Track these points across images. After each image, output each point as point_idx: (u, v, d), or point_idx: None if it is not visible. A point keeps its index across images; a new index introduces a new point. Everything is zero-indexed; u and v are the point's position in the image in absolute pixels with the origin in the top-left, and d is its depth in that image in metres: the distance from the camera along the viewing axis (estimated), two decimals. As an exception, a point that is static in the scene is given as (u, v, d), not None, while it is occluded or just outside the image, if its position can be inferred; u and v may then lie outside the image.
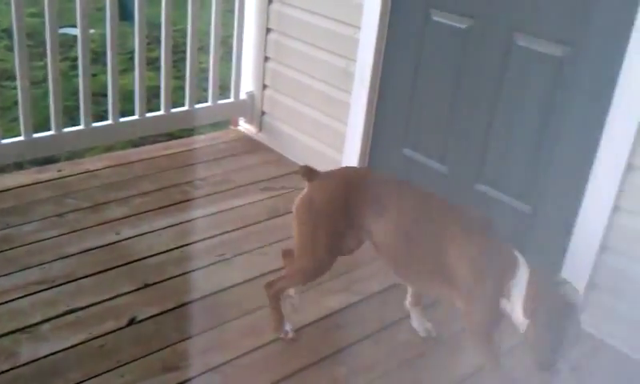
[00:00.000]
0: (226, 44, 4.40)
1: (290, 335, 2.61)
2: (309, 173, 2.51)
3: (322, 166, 3.78)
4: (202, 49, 4.24)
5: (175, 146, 4.09)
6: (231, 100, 4.25)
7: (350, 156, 3.68)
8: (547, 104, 2.90)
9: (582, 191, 2.78)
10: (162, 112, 3.96)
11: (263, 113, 4.22)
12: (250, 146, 4.18)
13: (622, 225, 2.68)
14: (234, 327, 2.67)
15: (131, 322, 2.63)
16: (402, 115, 3.49)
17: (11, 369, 2.37)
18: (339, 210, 2.42)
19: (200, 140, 4.19)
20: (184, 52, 3.99)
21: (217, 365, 2.47)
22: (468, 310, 2.27)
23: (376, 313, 2.77)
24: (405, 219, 2.37)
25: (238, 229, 3.29)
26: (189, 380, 2.40)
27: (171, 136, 4.25)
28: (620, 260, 2.68)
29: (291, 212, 3.41)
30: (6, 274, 2.82)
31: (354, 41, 3.55)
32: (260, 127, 4.25)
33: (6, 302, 2.67)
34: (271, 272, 2.96)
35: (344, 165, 3.70)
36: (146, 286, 2.83)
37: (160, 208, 3.39)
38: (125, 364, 2.43)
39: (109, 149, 4.02)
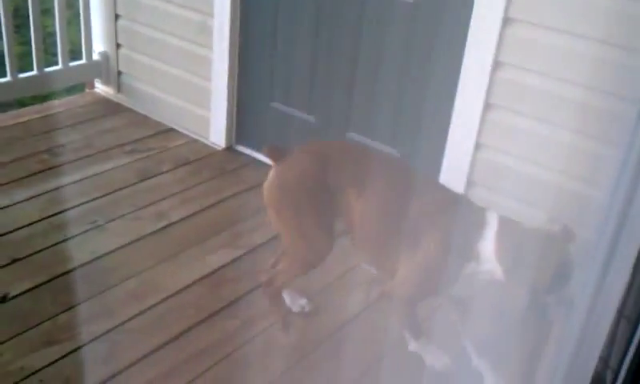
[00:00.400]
0: (72, 6, 4.16)
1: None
2: (274, 152, 2.29)
3: (190, 125, 3.76)
4: (48, 12, 3.98)
5: (28, 113, 3.82)
6: (83, 61, 4.04)
7: (217, 113, 3.63)
8: (406, 49, 3.00)
9: (446, 131, 2.92)
10: (8, 78, 3.69)
11: (120, 73, 4.04)
12: (110, 108, 3.99)
13: (484, 160, 2.86)
14: (116, 293, 2.58)
15: (3, 299, 2.48)
16: (266, 68, 3.48)
17: None
18: (317, 184, 2.19)
19: (55, 105, 3.95)
20: (27, 16, 3.72)
21: (101, 333, 2.39)
22: (402, 275, 2.14)
23: (262, 264, 2.77)
24: (383, 198, 2.17)
25: (107, 194, 3.16)
26: (73, 351, 2.30)
27: (22, 104, 3.97)
28: (486, 193, 2.86)
29: (163, 172, 3.38)
30: None
31: (210, -7, 3.49)
32: (118, 88, 4.07)
33: None
34: (148, 236, 2.90)
35: (212, 122, 3.66)
36: (15, 261, 2.67)
37: (19, 179, 3.19)
38: (1, 343, 2.29)
39: (-49, 121, 3.70)
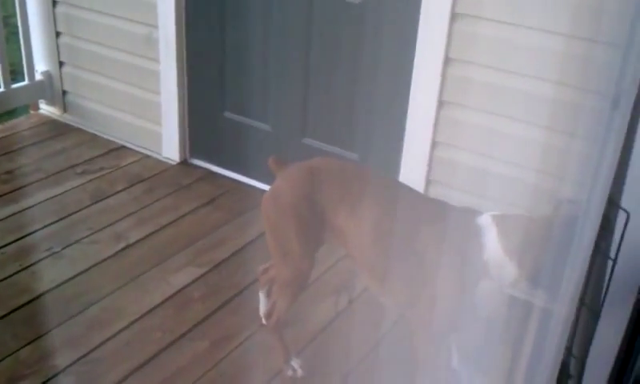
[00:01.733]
0: (9, 24, 4.04)
1: (300, 373, 2.33)
2: (276, 165, 2.25)
3: (142, 141, 3.68)
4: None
5: (-29, 139, 3.71)
6: (26, 82, 3.92)
7: (169, 127, 3.57)
8: (357, 50, 2.99)
9: (402, 131, 2.93)
10: (-53, 105, 3.57)
11: (65, 92, 3.94)
12: (57, 129, 3.88)
13: (442, 157, 2.87)
14: (79, 322, 2.51)
15: (-39, 339, 2.40)
16: (216, 78, 3.43)
17: None
18: (305, 201, 2.14)
19: (-1, 130, 3.84)
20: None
21: (67, 365, 2.32)
22: (424, 308, 2.02)
23: (226, 281, 2.74)
24: (379, 217, 2.08)
25: (61, 219, 3.07)
26: (38, 387, 2.24)
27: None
28: (444, 191, 2.88)
29: (117, 192, 3.31)
30: None
31: (153, 6, 3.41)
32: (64, 108, 3.96)
33: None
34: (107, 259, 2.83)
35: (164, 136, 3.59)
36: (-30, 297, 2.58)
37: (-33, 210, 3.08)
38: (-39, 385, 2.22)
39: None
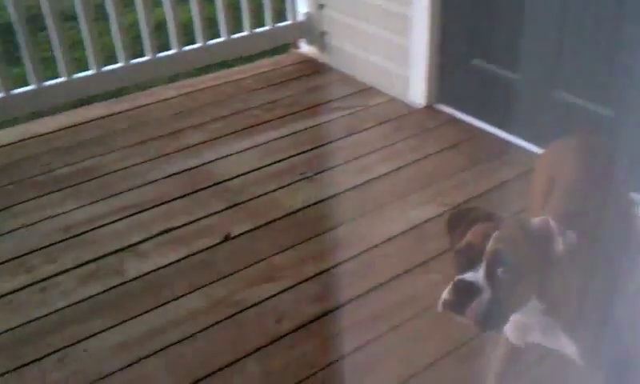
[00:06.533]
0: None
1: None
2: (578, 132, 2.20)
3: (389, 84, 3.83)
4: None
5: (239, 72, 4.12)
6: (289, 22, 4.25)
7: (416, 71, 3.66)
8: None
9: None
10: (223, 38, 3.98)
11: (323, 33, 4.20)
12: (314, 67, 4.17)
13: None
14: (325, 240, 2.74)
15: (226, 238, 2.74)
16: (468, 23, 3.42)
17: (120, 284, 2.53)
18: (545, 172, 2.08)
19: (263, 64, 4.22)
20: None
21: (313, 274, 2.56)
22: None
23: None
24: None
25: (314, 148, 3.33)
26: (287, 289, 2.50)
27: (230, 65, 4.26)
28: None
29: (365, 129, 3.51)
30: (99, 200, 2.97)
31: (407, -48, 3.50)
32: (322, 48, 4.24)
33: (104, 226, 2.82)
34: (353, 188, 3.04)
35: (412, 81, 3.70)
36: (235, 205, 2.93)
37: (235, 132, 3.47)
38: (227, 276, 2.56)
39: (173, 79, 4.07)
